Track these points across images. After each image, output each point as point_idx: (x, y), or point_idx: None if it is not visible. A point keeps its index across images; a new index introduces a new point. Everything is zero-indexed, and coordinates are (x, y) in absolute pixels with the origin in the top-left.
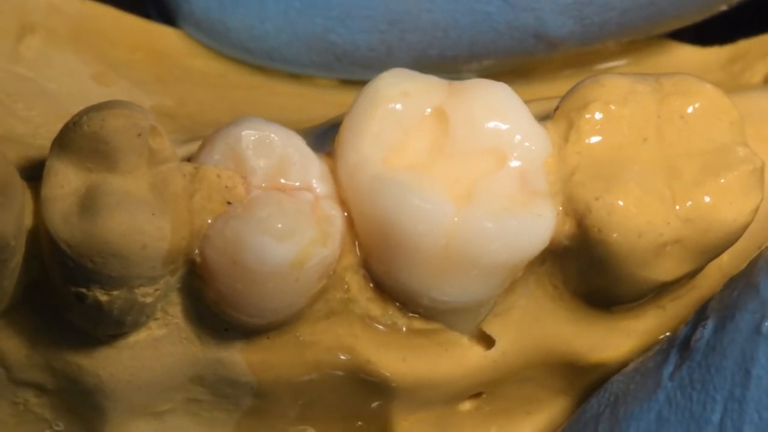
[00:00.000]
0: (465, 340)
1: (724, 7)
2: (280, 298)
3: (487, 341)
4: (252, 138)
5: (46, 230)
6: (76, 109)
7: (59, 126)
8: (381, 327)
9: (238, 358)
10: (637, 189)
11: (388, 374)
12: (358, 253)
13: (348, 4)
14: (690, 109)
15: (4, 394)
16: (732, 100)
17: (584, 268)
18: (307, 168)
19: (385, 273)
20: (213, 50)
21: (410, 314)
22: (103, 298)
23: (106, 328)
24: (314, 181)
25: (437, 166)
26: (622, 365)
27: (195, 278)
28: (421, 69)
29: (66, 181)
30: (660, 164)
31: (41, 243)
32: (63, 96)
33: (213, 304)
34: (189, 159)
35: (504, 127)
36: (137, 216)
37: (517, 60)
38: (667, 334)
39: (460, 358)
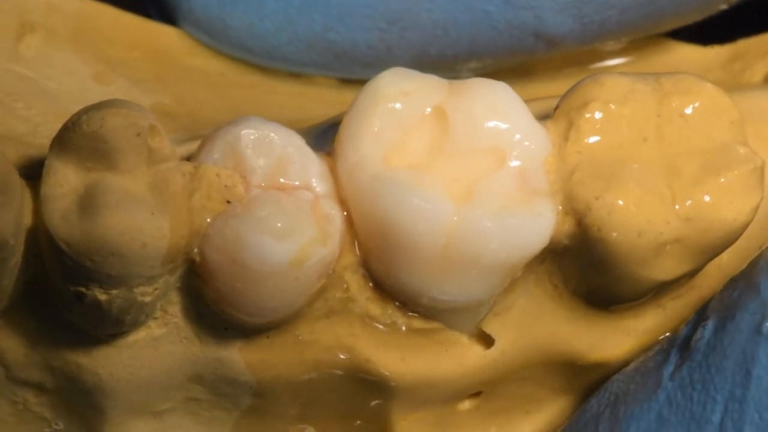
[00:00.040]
0: (464, 340)
1: (724, 6)
2: (279, 297)
3: (487, 340)
4: (251, 137)
5: (45, 229)
6: (75, 108)
7: (59, 125)
8: (380, 326)
9: (238, 357)
10: (637, 188)
11: (388, 373)
12: (358, 252)
13: (347, 2)
14: (690, 108)
15: (4, 393)
16: (732, 99)
17: (584, 268)
18: (307, 167)
19: (384, 272)
20: (212, 49)
21: (410, 313)
22: (102, 297)
23: (106, 327)
24: (314, 180)
25: (437, 165)
26: (622, 364)
27: (194, 277)
28: (420, 67)
29: (65, 180)
30: (660, 163)
31: (40, 242)
32: (62, 95)
33: (212, 303)
34: (188, 158)
35: (504, 126)
36: (136, 215)
37: (516, 59)
38: (667, 334)
39: (459, 358)
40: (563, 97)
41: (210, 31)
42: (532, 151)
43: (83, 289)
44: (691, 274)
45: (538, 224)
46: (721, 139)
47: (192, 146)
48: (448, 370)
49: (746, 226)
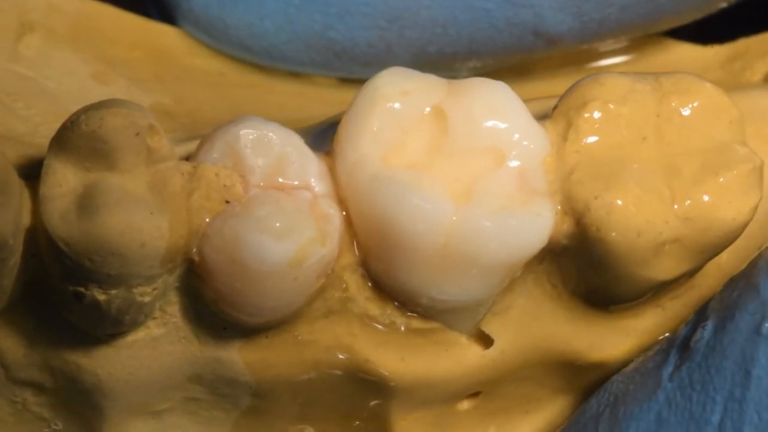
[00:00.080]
0: (464, 340)
1: (723, 5)
2: (278, 297)
3: (486, 340)
4: (250, 137)
5: (44, 229)
6: (75, 107)
7: (58, 125)
8: (379, 326)
9: (237, 357)
10: (636, 188)
11: (387, 373)
12: (357, 252)
13: (347, 1)
14: (689, 108)
15: (3, 393)
16: (732, 98)
17: (583, 267)
18: (306, 167)
19: (383, 272)
20: (212, 48)
21: (409, 313)
22: (101, 297)
23: (105, 327)
24: (313, 180)
25: (436, 165)
26: (621, 364)
27: (193, 277)
28: (420, 66)
29: (64, 179)
30: (659, 163)
31: (39, 242)
32: (62, 95)
33: (211, 303)
34: (187, 158)
35: (503, 126)
36: (135, 215)
37: (516, 57)
38: (667, 334)
39: (458, 358)
40: (562, 97)
41: (210, 30)
42: (531, 151)
43: (82, 289)
44: (691, 274)
45: (537, 224)
46: (720, 138)
47: (191, 146)
48: (447, 370)
49: (745, 225)
